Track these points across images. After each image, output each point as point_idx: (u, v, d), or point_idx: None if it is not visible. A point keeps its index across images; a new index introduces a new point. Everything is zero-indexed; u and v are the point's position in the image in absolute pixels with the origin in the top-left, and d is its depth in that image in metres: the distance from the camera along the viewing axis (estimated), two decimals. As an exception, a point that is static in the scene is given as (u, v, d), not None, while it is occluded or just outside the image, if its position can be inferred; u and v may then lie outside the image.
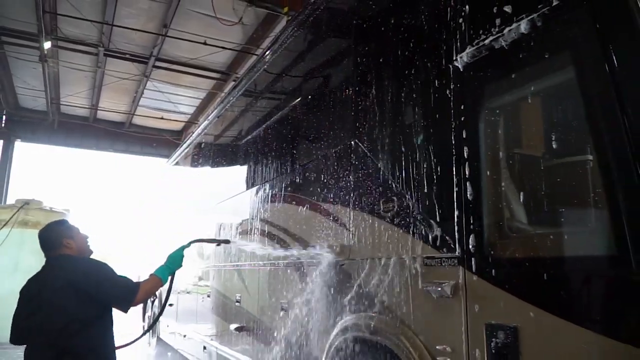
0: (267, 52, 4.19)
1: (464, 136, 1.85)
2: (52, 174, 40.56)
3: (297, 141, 3.55)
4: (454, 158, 1.88)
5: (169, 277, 3.00)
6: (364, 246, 2.44)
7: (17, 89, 12.46)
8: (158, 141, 15.05)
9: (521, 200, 1.67)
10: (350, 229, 2.57)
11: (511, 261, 1.69)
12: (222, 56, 10.14)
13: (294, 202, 3.33)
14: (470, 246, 1.76)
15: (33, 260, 3.51)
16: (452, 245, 1.86)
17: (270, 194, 3.72)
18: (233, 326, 4.08)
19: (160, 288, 3.04)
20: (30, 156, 33.59)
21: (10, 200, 11.66)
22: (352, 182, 2.61)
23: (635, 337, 1.27)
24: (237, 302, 4.17)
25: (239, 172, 4.73)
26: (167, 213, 8.09)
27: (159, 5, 8.56)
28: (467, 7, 1.91)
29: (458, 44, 1.93)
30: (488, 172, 1.77)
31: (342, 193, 2.71)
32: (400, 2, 2.49)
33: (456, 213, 1.84)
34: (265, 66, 4.22)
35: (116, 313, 2.77)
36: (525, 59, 1.66)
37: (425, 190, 2.05)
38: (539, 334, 1.50)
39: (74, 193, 33.60)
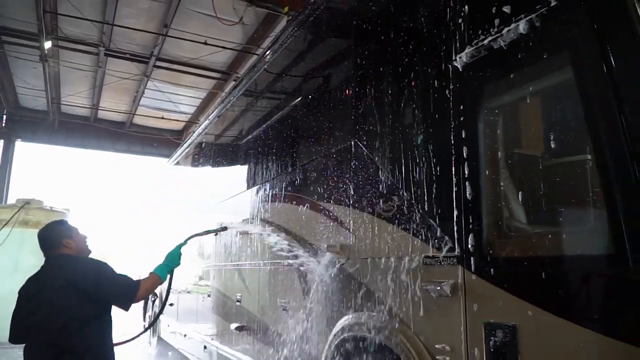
0: (267, 52, 4.20)
1: (463, 136, 1.86)
2: (52, 174, 40.67)
3: (297, 141, 3.56)
4: (453, 158, 1.89)
5: (168, 276, 3.03)
6: (363, 246, 2.45)
7: (18, 88, 12.46)
8: (159, 141, 15.06)
9: (520, 199, 1.68)
10: (350, 229, 2.58)
11: (510, 260, 1.69)
12: (222, 56, 10.14)
13: (294, 202, 3.33)
14: (470, 245, 1.77)
15: (33, 260, 3.52)
16: (451, 245, 1.87)
17: (270, 194, 3.73)
18: (233, 326, 4.09)
19: (160, 286, 3.07)
20: (31, 156, 33.52)
21: (11, 200, 11.65)
22: (351, 182, 2.62)
23: (633, 335, 1.28)
24: (238, 301, 4.17)
25: (240, 171, 4.74)
26: (167, 213, 8.10)
27: (159, 5, 8.56)
28: (466, 7, 1.92)
29: (457, 44, 1.93)
30: (487, 172, 1.77)
31: (341, 193, 2.72)
32: (400, 2, 2.50)
33: (455, 213, 1.85)
34: (266, 66, 4.23)
35: (117, 312, 2.79)
36: (524, 59, 1.66)
37: (425, 190, 2.06)
38: (538, 332, 1.51)
39: (74, 193, 33.64)
